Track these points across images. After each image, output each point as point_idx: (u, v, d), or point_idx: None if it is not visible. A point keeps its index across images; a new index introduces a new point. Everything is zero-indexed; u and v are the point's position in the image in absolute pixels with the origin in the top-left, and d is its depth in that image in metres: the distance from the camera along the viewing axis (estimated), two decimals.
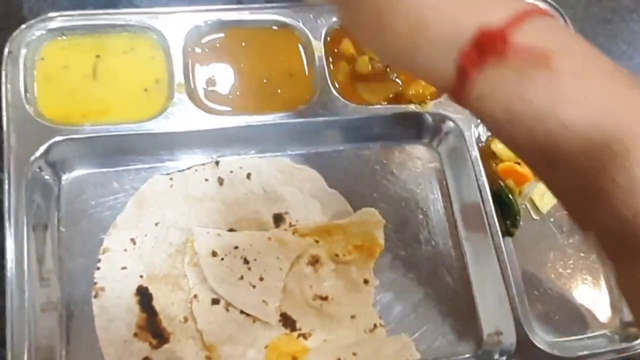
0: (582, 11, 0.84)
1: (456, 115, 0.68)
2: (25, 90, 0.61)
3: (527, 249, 0.68)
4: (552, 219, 0.70)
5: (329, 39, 0.69)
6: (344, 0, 0.45)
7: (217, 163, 0.64)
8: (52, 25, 0.64)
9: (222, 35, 0.68)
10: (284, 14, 0.70)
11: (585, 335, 0.65)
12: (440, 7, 0.39)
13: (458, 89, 0.40)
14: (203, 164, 0.64)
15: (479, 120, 0.68)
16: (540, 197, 0.69)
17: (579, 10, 0.83)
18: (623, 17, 0.87)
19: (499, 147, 0.71)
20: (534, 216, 0.70)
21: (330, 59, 0.69)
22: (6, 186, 0.56)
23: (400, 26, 0.40)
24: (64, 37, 0.64)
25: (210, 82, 0.66)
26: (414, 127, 0.70)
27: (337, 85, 0.68)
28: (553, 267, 0.68)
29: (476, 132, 0.69)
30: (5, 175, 0.57)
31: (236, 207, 0.63)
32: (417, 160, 0.70)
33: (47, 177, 0.60)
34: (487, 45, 0.38)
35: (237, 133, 0.65)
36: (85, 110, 0.62)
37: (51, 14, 0.64)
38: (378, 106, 0.68)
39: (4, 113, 0.59)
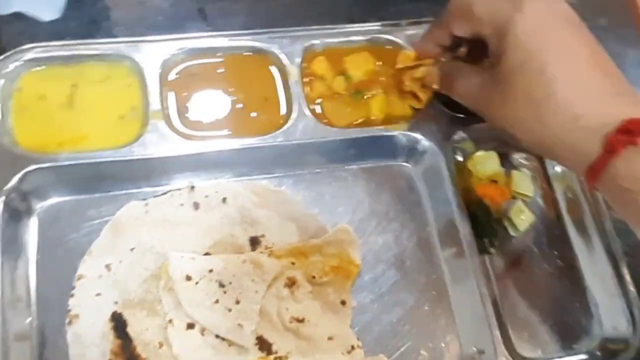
0: None
1: (432, 135, 0.69)
2: (2, 121, 0.62)
3: (506, 267, 0.67)
4: (530, 237, 0.70)
5: (303, 63, 0.70)
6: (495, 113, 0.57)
7: (192, 188, 0.64)
8: (29, 56, 0.64)
9: (197, 62, 0.69)
10: (260, 40, 0.70)
11: (567, 353, 0.64)
12: (590, 104, 0.50)
13: (598, 166, 0.49)
14: (179, 189, 0.64)
15: (454, 140, 0.69)
16: (517, 215, 0.69)
17: None
18: (599, 37, 0.87)
19: (475, 166, 0.71)
20: (512, 234, 0.69)
21: (305, 82, 0.69)
22: None
23: (555, 121, 0.51)
24: (41, 68, 0.65)
25: (186, 108, 0.67)
26: (389, 148, 0.70)
27: (312, 109, 0.68)
28: (532, 284, 0.67)
29: (452, 151, 0.69)
30: None
31: (212, 231, 0.63)
32: (393, 180, 0.70)
33: (21, 205, 0.60)
34: (635, 129, 0.47)
35: (213, 158, 0.65)
36: (62, 139, 0.63)
37: (28, 45, 0.65)
38: (353, 129, 0.68)
39: None
